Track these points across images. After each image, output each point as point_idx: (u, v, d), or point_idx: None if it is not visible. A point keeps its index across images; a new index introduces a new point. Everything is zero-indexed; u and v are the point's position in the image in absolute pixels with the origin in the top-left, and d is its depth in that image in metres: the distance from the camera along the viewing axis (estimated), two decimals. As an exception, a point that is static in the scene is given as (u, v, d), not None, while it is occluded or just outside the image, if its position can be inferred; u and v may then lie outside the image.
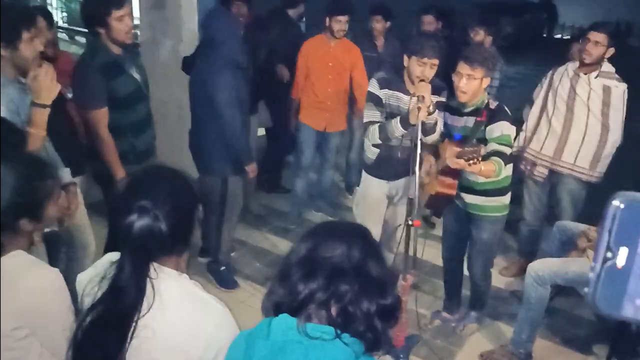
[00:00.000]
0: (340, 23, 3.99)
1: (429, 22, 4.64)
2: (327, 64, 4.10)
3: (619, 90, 3.31)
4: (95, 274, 1.36)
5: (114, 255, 1.36)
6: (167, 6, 4.53)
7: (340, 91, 4.18)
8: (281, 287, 1.16)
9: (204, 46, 3.32)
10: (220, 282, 3.58)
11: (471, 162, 2.40)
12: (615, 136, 3.36)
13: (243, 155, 3.30)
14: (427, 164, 2.93)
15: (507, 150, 2.66)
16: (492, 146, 2.65)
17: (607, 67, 3.35)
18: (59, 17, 13.50)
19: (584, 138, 3.37)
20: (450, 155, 2.51)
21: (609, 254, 0.60)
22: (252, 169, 3.37)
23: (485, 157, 2.62)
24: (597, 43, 3.24)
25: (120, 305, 1.28)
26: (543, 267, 2.86)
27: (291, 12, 4.60)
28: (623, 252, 0.60)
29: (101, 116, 2.75)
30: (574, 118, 3.38)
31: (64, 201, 1.62)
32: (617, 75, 3.34)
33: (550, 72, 3.59)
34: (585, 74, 3.34)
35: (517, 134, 3.75)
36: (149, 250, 1.31)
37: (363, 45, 4.42)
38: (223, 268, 3.61)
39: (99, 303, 1.30)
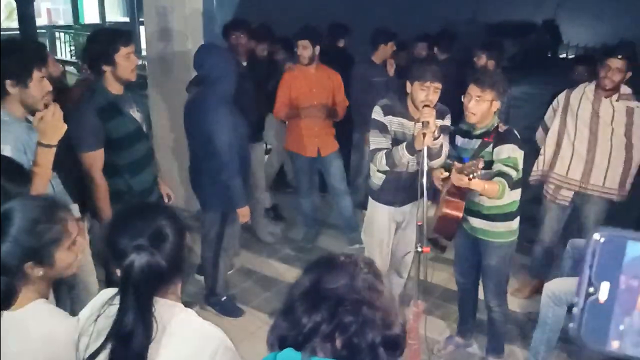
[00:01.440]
0: (301, 48, 4.03)
1: (422, 48, 4.74)
2: (311, 90, 4.15)
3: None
4: (92, 312, 1.37)
5: (110, 292, 1.36)
6: (174, 38, 4.64)
7: (326, 115, 4.23)
8: (285, 320, 1.15)
9: (199, 82, 3.34)
10: (224, 312, 3.57)
11: (471, 175, 2.40)
12: (639, 154, 3.36)
13: (236, 197, 3.22)
14: (436, 175, 2.87)
15: (513, 173, 2.64)
16: (498, 167, 2.65)
17: (624, 89, 3.35)
18: (67, 50, 13.78)
19: (609, 159, 3.37)
20: (454, 173, 2.52)
21: (591, 289, 0.61)
22: (243, 212, 3.27)
23: (491, 178, 2.62)
24: (618, 70, 3.22)
25: (130, 350, 1.27)
26: (559, 287, 2.82)
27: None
28: (605, 286, 0.60)
29: (95, 158, 2.72)
30: (598, 141, 3.37)
31: (80, 246, 1.60)
32: (634, 96, 3.35)
33: (563, 94, 3.55)
34: (606, 97, 3.33)
35: (534, 157, 3.75)
36: (151, 287, 1.31)
37: (374, 71, 4.56)
38: (224, 298, 3.61)
39: (103, 349, 1.29)
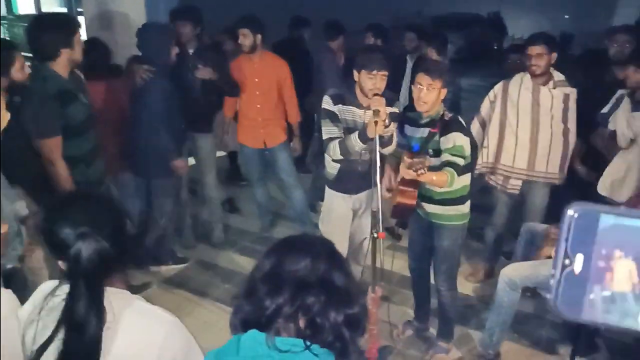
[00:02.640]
0: (242, 37, 3.97)
1: (368, 38, 4.89)
2: (253, 80, 4.07)
3: (574, 95, 3.48)
4: (34, 306, 1.33)
5: (49, 285, 1.33)
6: (115, 28, 4.50)
7: (271, 106, 4.14)
8: (248, 303, 1.16)
9: (141, 61, 3.55)
10: (161, 260, 3.95)
11: (419, 172, 2.47)
12: (574, 137, 3.52)
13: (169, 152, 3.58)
14: (387, 177, 2.99)
15: (460, 161, 2.72)
16: (445, 157, 2.72)
17: (558, 75, 3.49)
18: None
19: (550, 145, 3.50)
20: (402, 167, 2.59)
21: (567, 261, 0.64)
22: (179, 164, 3.66)
23: (439, 168, 2.70)
24: (539, 55, 3.38)
25: (84, 339, 1.24)
26: (515, 272, 2.93)
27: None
28: (579, 258, 0.64)
29: (56, 144, 2.69)
30: (539, 128, 3.49)
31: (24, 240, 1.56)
32: (567, 82, 3.50)
33: (500, 85, 3.65)
34: (544, 84, 3.47)
35: (476, 148, 3.87)
36: (100, 274, 1.29)
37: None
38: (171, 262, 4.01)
39: (52, 340, 1.26)
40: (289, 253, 1.18)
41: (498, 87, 3.66)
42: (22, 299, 2.57)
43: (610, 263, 0.63)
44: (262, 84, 4.09)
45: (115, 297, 1.32)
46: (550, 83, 3.47)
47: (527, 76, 3.51)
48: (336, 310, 1.12)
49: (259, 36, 3.98)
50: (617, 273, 0.63)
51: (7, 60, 2.48)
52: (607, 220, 0.63)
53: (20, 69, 2.57)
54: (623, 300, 0.63)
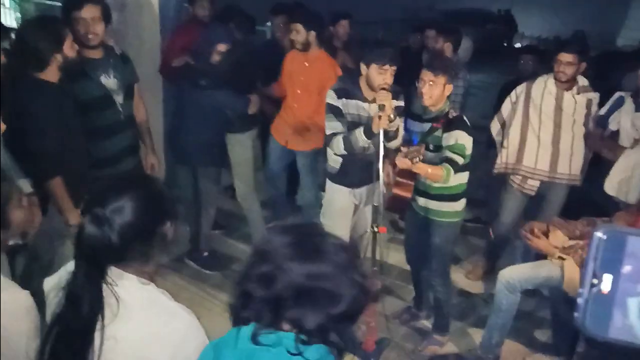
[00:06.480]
0: (293, 32, 3.79)
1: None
2: (299, 77, 3.87)
3: (596, 100, 3.47)
4: (58, 281, 1.33)
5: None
6: (127, 9, 4.44)
7: (307, 109, 3.85)
8: (243, 303, 1.15)
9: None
10: (205, 266, 3.76)
11: (414, 160, 2.47)
12: None
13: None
14: (385, 172, 2.97)
15: (459, 159, 2.72)
16: (445, 153, 2.73)
17: (582, 81, 3.46)
18: (12, 18, 13.05)
19: (572, 147, 3.49)
20: (398, 157, 2.59)
21: (595, 281, 0.67)
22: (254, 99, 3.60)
23: (438, 163, 2.70)
24: (569, 63, 3.34)
25: (78, 315, 1.24)
26: (514, 275, 2.90)
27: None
28: (607, 278, 0.67)
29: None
30: (561, 131, 3.48)
31: (29, 211, 1.57)
32: (590, 87, 3.48)
33: (522, 87, 3.59)
34: (567, 90, 3.44)
35: (488, 145, 3.87)
36: (98, 257, 1.28)
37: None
38: (206, 253, 3.79)
39: (59, 318, 1.27)
40: (283, 260, 1.12)
41: (520, 89, 3.60)
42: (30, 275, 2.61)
43: (638, 283, 0.66)
44: (307, 83, 3.83)
45: (131, 286, 1.31)
46: (575, 88, 3.44)
47: (552, 80, 3.46)
48: (316, 314, 1.09)
49: (312, 33, 3.77)
50: None
51: (61, 38, 2.45)
52: (635, 242, 0.67)
53: (71, 46, 2.54)
54: None
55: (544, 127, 3.50)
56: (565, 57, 3.34)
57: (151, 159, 3.29)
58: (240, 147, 3.79)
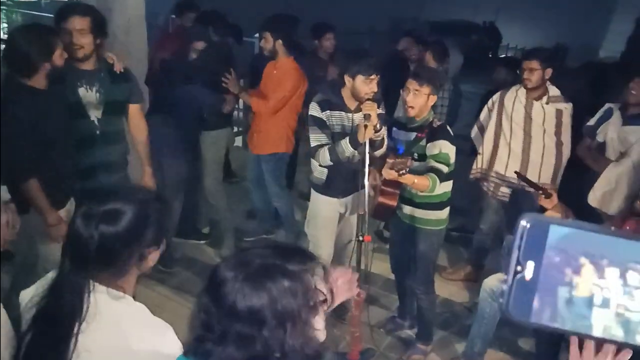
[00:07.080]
0: (262, 40, 3.84)
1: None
2: (267, 83, 3.92)
3: (568, 110, 3.53)
4: (34, 293, 1.33)
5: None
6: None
7: (272, 114, 3.86)
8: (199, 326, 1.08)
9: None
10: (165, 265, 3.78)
11: (400, 172, 2.49)
12: (567, 150, 3.58)
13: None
14: (372, 176, 2.98)
15: (444, 168, 2.76)
16: (430, 162, 2.76)
17: (553, 91, 3.53)
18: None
19: (542, 157, 3.56)
20: (385, 167, 2.61)
21: (519, 268, 0.68)
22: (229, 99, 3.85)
23: (423, 173, 2.72)
24: (532, 69, 3.42)
25: (59, 311, 1.25)
26: (497, 283, 2.91)
27: None
28: (530, 265, 0.67)
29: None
30: (532, 140, 3.55)
31: (12, 218, 1.56)
32: (563, 97, 3.54)
33: (497, 95, 3.70)
34: (537, 99, 3.50)
35: (472, 154, 3.91)
36: (83, 256, 1.29)
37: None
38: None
39: (37, 319, 1.27)
40: (239, 291, 1.03)
41: (496, 97, 3.72)
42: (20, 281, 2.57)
43: (559, 270, 0.67)
44: (273, 90, 3.85)
45: (104, 297, 1.30)
46: (544, 98, 3.51)
47: (522, 89, 3.55)
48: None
49: (279, 42, 3.78)
50: (566, 280, 0.67)
51: (52, 47, 2.45)
52: (557, 230, 0.68)
53: (61, 55, 2.54)
54: (571, 305, 0.67)
55: (514, 135, 3.58)
56: (528, 64, 3.43)
57: (146, 182, 3.13)
58: (213, 144, 4.00)
